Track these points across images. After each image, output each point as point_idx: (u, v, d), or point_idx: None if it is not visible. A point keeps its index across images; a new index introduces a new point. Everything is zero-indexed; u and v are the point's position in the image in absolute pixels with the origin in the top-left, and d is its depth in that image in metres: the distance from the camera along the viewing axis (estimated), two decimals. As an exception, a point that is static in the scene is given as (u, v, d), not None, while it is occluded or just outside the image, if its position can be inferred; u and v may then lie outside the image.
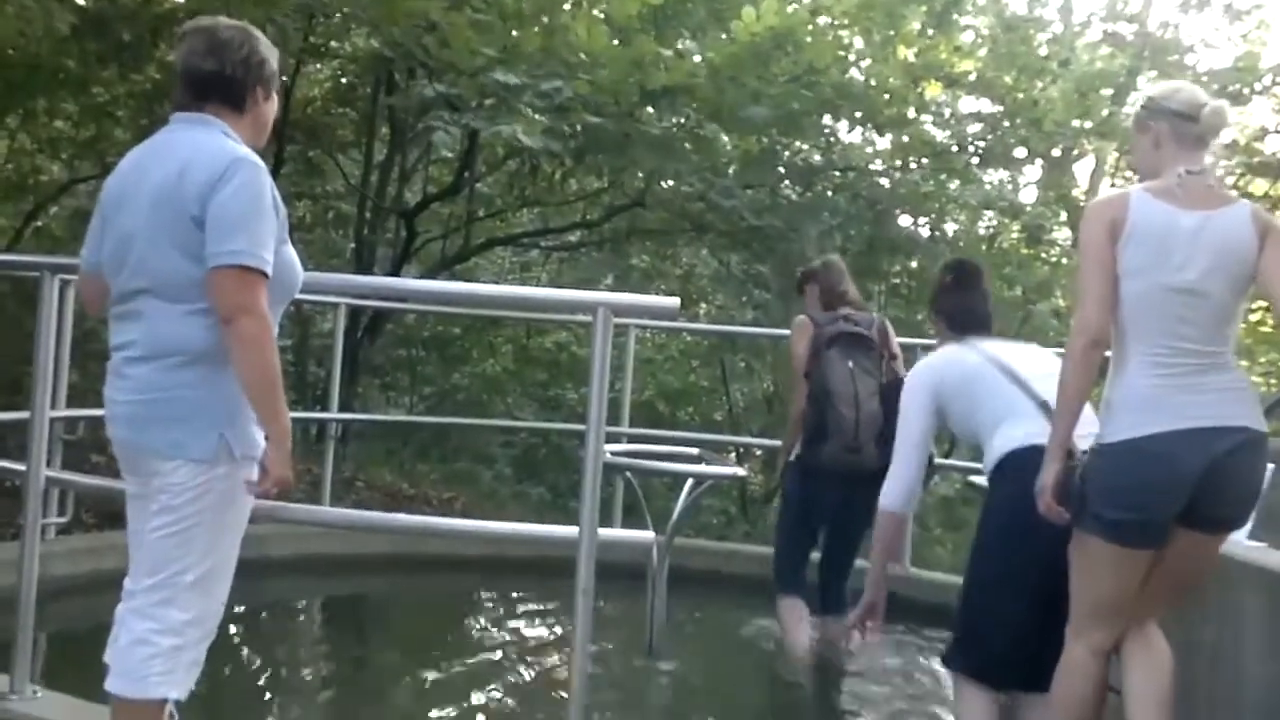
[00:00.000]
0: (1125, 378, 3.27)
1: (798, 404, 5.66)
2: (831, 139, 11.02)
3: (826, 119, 10.23)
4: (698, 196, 9.79)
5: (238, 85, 2.93)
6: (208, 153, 2.80)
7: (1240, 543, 3.87)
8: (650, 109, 8.66)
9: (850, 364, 5.49)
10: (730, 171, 9.88)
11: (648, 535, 4.43)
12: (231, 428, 2.82)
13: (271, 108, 3.07)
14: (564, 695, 3.28)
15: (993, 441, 3.84)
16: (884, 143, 11.26)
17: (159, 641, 2.81)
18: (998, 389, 3.88)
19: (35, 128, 10.11)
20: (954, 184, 11.00)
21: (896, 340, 5.72)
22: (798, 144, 10.56)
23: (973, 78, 10.53)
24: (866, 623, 4.35)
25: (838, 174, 10.75)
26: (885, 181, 10.88)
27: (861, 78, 10.01)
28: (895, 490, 4.06)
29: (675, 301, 3.46)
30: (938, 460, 5.77)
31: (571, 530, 3.19)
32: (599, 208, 11.61)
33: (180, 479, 2.79)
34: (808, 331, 5.66)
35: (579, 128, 7.97)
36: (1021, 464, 3.56)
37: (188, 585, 2.83)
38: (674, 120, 8.69)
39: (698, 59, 8.83)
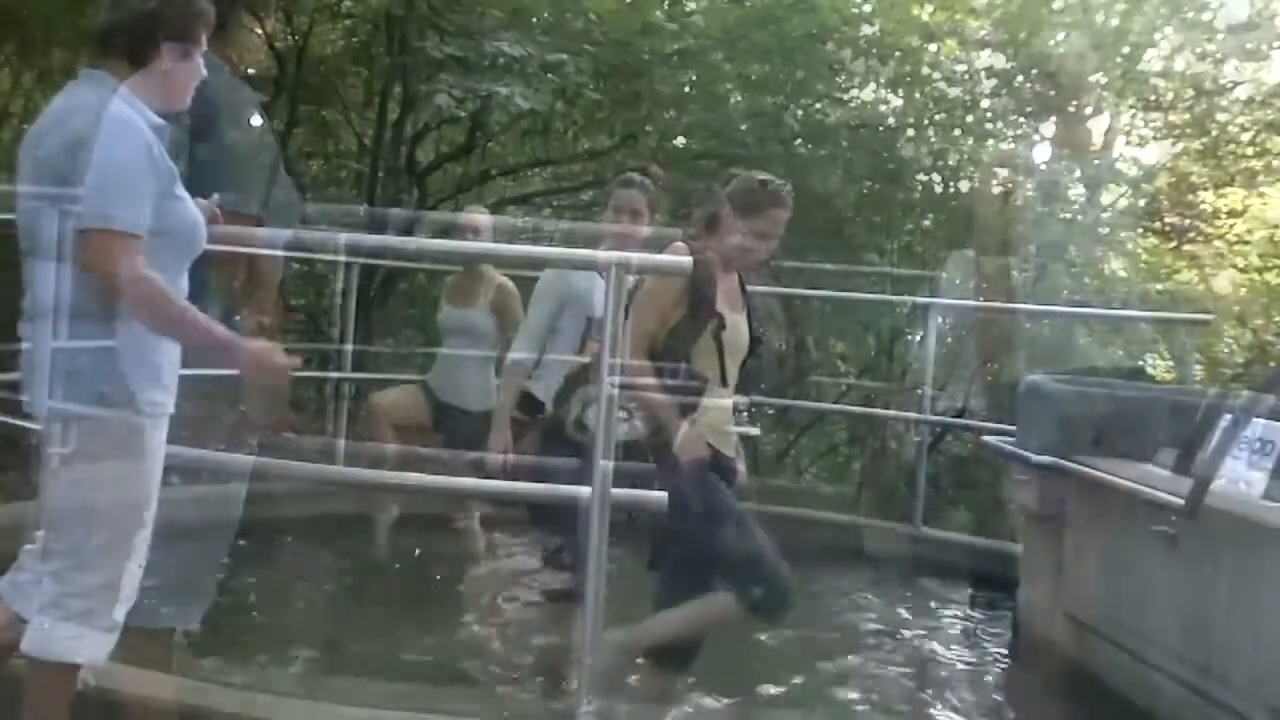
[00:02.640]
0: None
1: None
2: (844, 96, 10.94)
3: (840, 77, 10.17)
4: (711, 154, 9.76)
5: (134, 38, 2.82)
6: (82, 113, 2.73)
7: (1259, 503, 3.86)
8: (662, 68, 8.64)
9: None
10: (742, 128, 9.82)
11: (661, 495, 4.44)
12: (113, 384, 2.74)
13: (188, 69, 2.91)
14: (573, 636, 3.30)
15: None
16: (897, 100, 11.19)
17: (69, 604, 2.74)
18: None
19: (32, 56, 9.94)
20: (967, 141, 10.92)
21: None
22: (810, 102, 10.49)
23: (985, 34, 10.45)
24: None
25: (850, 131, 10.68)
26: (898, 139, 10.81)
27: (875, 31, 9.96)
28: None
29: (689, 259, 3.47)
30: (951, 420, 5.70)
31: (584, 490, 3.20)
32: (612, 166, 11.54)
33: (67, 438, 2.72)
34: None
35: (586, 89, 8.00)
36: None
37: (95, 548, 2.75)
38: (684, 79, 8.65)
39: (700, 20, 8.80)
